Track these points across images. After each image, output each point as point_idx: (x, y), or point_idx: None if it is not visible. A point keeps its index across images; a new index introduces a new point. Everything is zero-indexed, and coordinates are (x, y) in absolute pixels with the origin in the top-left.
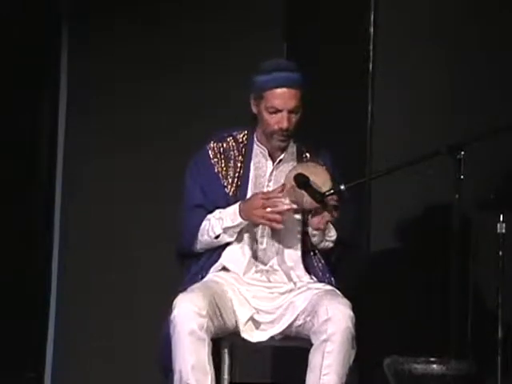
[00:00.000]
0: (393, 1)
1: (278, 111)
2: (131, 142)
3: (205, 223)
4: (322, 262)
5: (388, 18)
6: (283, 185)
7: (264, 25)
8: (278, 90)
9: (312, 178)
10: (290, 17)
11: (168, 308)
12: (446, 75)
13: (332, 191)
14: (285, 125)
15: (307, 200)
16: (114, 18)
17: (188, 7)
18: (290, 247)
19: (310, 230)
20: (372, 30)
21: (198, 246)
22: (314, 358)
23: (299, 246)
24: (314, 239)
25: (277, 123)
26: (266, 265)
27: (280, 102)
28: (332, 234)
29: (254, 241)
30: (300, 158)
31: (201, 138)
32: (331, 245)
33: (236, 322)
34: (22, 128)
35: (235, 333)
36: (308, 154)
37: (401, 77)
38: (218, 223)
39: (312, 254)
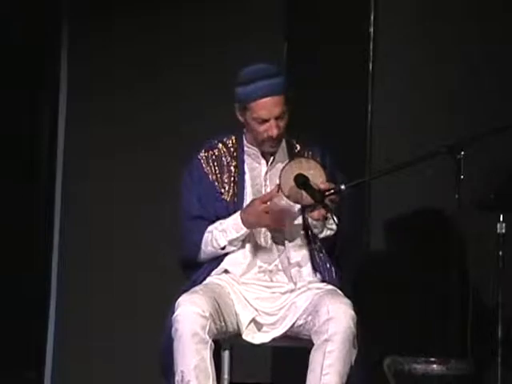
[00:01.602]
0: (393, 1)
1: (265, 121)
2: (131, 141)
3: (207, 235)
4: (326, 256)
5: (388, 18)
6: (278, 184)
7: (264, 24)
8: (262, 101)
9: (310, 176)
10: (290, 17)
11: (168, 308)
12: (446, 75)
13: (332, 191)
14: (274, 132)
15: (306, 197)
16: (114, 18)
17: (188, 7)
18: (293, 245)
19: (310, 221)
20: (372, 30)
21: (203, 256)
22: (315, 358)
23: (304, 242)
24: (316, 230)
25: (266, 131)
26: (270, 264)
27: (265, 111)
28: (332, 222)
29: (255, 242)
30: (291, 152)
31: (201, 138)
32: (332, 232)
33: (238, 324)
34: (22, 128)
35: (237, 335)
36: (298, 146)
37: (401, 77)
38: (222, 235)
39: (315, 248)
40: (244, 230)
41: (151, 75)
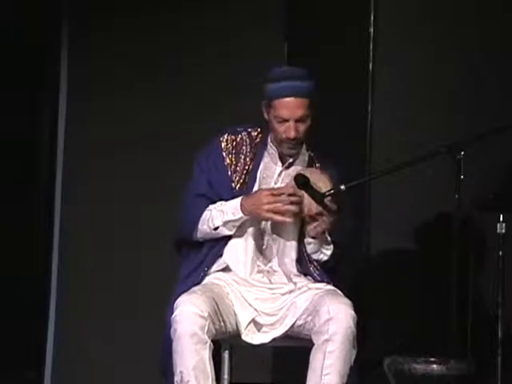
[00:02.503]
0: (393, 1)
1: (285, 120)
2: (131, 141)
3: (206, 213)
4: (319, 268)
5: (388, 18)
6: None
7: (264, 25)
8: (285, 100)
9: (313, 180)
10: (291, 17)
11: (168, 308)
12: (446, 75)
13: (332, 191)
14: (292, 134)
15: (306, 204)
16: (114, 18)
17: (188, 7)
18: (288, 249)
19: (306, 238)
20: (372, 29)
21: (198, 235)
22: (316, 358)
23: (295, 251)
24: (310, 247)
25: (284, 132)
26: (266, 265)
27: (287, 111)
28: (329, 248)
29: (255, 240)
30: (310, 165)
31: (201, 138)
32: (326, 258)
33: (237, 324)
34: (21, 128)
35: (236, 335)
36: (318, 165)
37: (401, 77)
38: (219, 215)
39: (308, 261)
40: (240, 215)
41: (151, 75)
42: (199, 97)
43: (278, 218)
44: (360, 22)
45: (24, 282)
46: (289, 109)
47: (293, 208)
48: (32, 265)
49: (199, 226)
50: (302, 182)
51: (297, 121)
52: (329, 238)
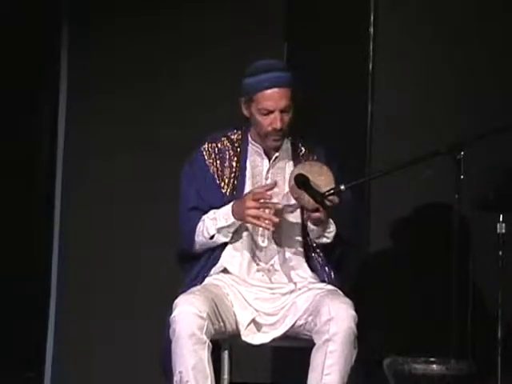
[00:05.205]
0: (393, 1)
1: (270, 112)
2: (131, 141)
3: (199, 224)
4: (323, 257)
5: (388, 17)
6: (274, 183)
7: (264, 24)
8: (268, 91)
9: (316, 180)
10: (290, 16)
11: (168, 308)
12: (446, 75)
13: (332, 191)
14: (278, 125)
15: (306, 202)
16: (114, 18)
17: (188, 7)
18: (291, 245)
19: (308, 224)
20: (372, 30)
21: (197, 247)
22: (316, 358)
23: (300, 242)
24: (312, 233)
25: (270, 124)
26: (267, 264)
27: (271, 103)
28: (331, 230)
29: (253, 240)
30: (295, 154)
31: (201, 138)
32: (329, 240)
33: (236, 325)
34: (22, 128)
35: (236, 335)
36: (303, 149)
37: (401, 77)
38: (212, 224)
39: (313, 249)
40: (232, 220)
41: (151, 75)
42: (199, 97)
43: (259, 224)
44: (360, 22)
45: (24, 281)
46: (273, 100)
47: (271, 217)
48: (32, 265)
49: (195, 238)
50: (301, 181)
51: (281, 111)
52: (331, 222)
